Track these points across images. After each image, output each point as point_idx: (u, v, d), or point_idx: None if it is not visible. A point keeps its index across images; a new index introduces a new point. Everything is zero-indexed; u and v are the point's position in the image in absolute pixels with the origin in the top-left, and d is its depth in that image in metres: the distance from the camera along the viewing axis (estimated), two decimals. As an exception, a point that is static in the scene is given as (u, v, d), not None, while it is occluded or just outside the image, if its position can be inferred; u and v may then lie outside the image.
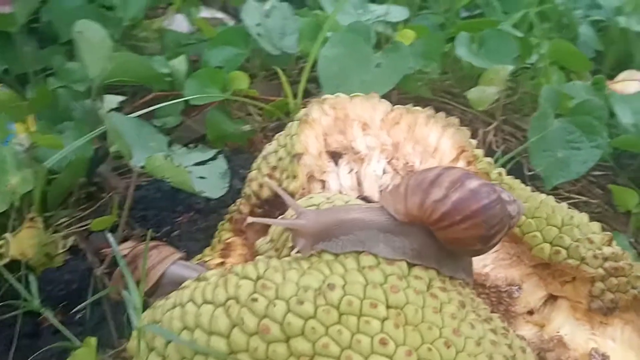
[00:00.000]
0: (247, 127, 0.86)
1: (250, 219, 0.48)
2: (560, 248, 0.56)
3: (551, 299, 0.60)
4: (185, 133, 0.92)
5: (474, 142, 0.62)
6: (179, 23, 1.16)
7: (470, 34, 0.95)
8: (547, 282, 0.59)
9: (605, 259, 0.56)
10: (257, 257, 0.47)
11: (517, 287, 0.57)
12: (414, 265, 0.45)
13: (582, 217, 0.59)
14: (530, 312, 0.58)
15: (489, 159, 0.62)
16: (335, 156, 0.60)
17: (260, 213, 0.59)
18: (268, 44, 0.94)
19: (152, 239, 0.69)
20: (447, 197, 0.44)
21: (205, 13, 1.21)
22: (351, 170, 0.59)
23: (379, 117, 0.62)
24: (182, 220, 0.71)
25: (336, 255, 0.45)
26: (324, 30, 0.80)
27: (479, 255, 0.48)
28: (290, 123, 0.62)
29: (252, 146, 0.88)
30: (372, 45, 0.89)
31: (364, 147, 0.60)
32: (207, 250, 0.59)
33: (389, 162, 0.60)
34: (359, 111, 0.61)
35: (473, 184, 0.44)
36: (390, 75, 0.84)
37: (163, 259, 0.53)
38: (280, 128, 0.89)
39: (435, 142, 0.61)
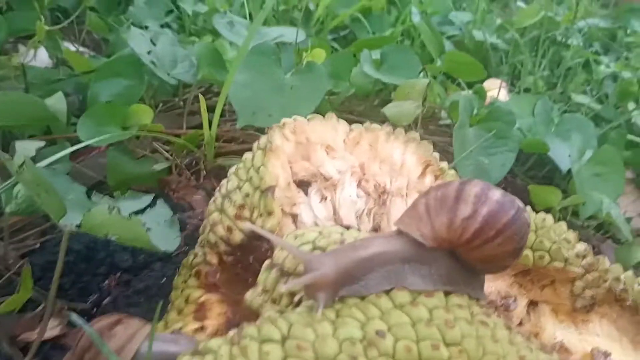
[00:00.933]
0: (159, 166, 0.76)
1: (283, 287, 0.41)
2: (542, 252, 0.55)
3: (531, 305, 0.59)
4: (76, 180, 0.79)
5: (437, 155, 0.59)
6: (40, 58, 1.03)
7: (370, 50, 0.93)
8: (527, 288, 0.58)
9: (584, 256, 0.56)
10: (266, 314, 0.40)
11: (512, 299, 0.55)
12: (448, 293, 0.41)
13: (550, 218, 0.59)
14: (520, 323, 0.57)
15: (452, 172, 0.60)
16: (303, 185, 0.54)
17: (232, 261, 0.51)
18: (163, 73, 0.85)
19: (81, 311, 0.58)
20: (477, 212, 0.40)
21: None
22: (323, 198, 0.54)
23: (340, 138, 0.57)
24: (110, 283, 0.60)
25: (362, 297, 0.40)
26: (240, 54, 0.73)
27: (504, 270, 0.45)
28: (247, 154, 0.55)
29: (166, 186, 0.78)
30: (280, 67, 0.85)
31: (334, 171, 0.55)
32: (170, 316, 0.50)
33: (358, 185, 0.56)
34: (320, 134, 0.56)
35: (496, 194, 0.42)
36: (309, 97, 0.80)
37: (132, 336, 0.43)
38: (195, 163, 0.81)
39: (400, 159, 0.58)
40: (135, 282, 0.60)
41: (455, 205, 0.41)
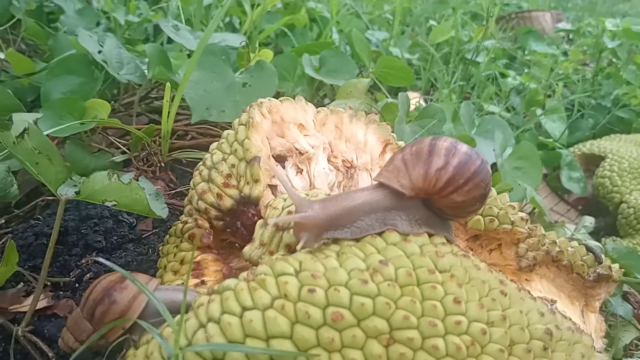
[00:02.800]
0: (118, 158, 0.77)
1: (272, 221, 0.45)
2: (492, 217, 0.62)
3: (481, 267, 0.66)
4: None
5: (394, 135, 0.66)
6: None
7: (310, 54, 0.99)
8: (477, 252, 0.65)
9: (526, 220, 0.64)
10: (274, 257, 0.44)
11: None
12: (432, 235, 0.47)
13: (494, 190, 0.66)
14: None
15: (409, 150, 0.66)
16: (279, 159, 0.59)
17: (221, 226, 0.54)
18: (114, 72, 0.87)
19: (65, 285, 0.59)
20: (448, 163, 0.46)
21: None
22: (299, 171, 0.58)
23: (310, 118, 0.62)
24: (89, 261, 0.61)
25: (356, 240, 0.45)
26: (198, 50, 0.77)
27: (472, 216, 0.51)
28: (227, 131, 0.58)
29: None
30: (229, 66, 0.89)
31: (308, 146, 0.59)
32: (166, 277, 0.52)
33: (328, 161, 0.61)
34: (292, 114, 0.60)
35: (464, 147, 0.48)
36: (261, 93, 0.84)
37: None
38: (150, 157, 0.82)
39: (363, 138, 0.64)
40: (113, 259, 0.62)
41: (429, 158, 0.47)
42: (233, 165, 0.55)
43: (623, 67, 1.60)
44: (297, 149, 0.59)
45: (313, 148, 0.59)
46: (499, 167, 0.98)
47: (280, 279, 0.40)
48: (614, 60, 1.65)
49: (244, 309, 0.39)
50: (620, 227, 1.13)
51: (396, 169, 0.47)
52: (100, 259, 0.39)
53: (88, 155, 0.78)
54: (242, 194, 0.53)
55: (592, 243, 0.93)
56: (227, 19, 1.61)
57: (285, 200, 0.51)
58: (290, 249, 0.48)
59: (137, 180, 0.58)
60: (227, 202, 0.53)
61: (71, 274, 0.60)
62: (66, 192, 0.50)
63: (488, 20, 1.31)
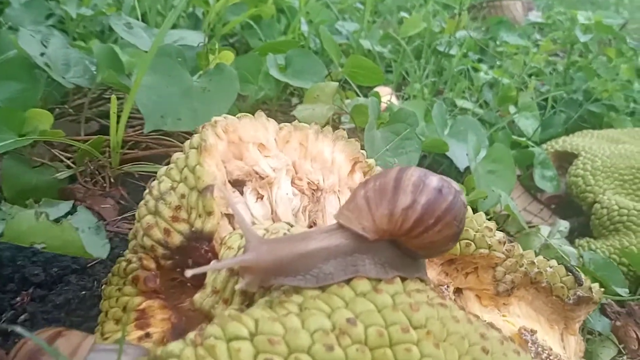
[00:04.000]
0: (62, 174, 0.71)
1: (189, 272, 0.39)
2: (468, 241, 0.58)
3: (457, 292, 0.62)
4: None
5: (364, 152, 0.60)
6: None
7: (275, 54, 0.93)
8: (453, 276, 0.61)
9: (504, 242, 0.60)
10: (224, 312, 0.39)
11: (445, 287, 0.57)
12: (406, 279, 0.42)
13: (469, 209, 0.62)
14: (450, 307, 0.59)
15: (379, 168, 0.61)
16: (237, 184, 0.53)
17: (170, 265, 0.49)
18: (58, 76, 0.80)
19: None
20: (416, 201, 0.41)
21: None
22: (259, 197, 0.53)
23: (272, 137, 0.56)
24: (23, 300, 0.55)
25: (321, 289, 0.40)
26: (151, 52, 0.70)
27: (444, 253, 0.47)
28: (177, 155, 0.52)
29: (69, 196, 0.73)
30: (186, 69, 0.82)
31: (269, 169, 0.54)
32: (107, 327, 0.46)
33: (292, 183, 0.55)
34: (251, 132, 0.55)
35: (434, 181, 0.43)
36: (221, 99, 0.78)
37: (76, 348, 0.40)
38: (100, 170, 0.76)
39: (330, 157, 0.58)
40: (52, 296, 0.56)
41: (394, 196, 0.41)
42: (183, 196, 0.49)
43: (594, 60, 1.57)
44: (257, 173, 0.53)
45: (275, 171, 0.54)
46: (473, 171, 0.94)
47: (232, 345, 0.35)
48: (585, 52, 1.63)
49: (193, 382, 0.34)
50: (594, 227, 1.10)
51: (357, 208, 0.42)
52: (19, 329, 0.33)
53: (29, 170, 0.72)
54: (193, 229, 0.48)
55: (568, 249, 0.90)
56: (190, 9, 1.53)
57: (242, 237, 0.45)
58: (247, 297, 0.43)
59: (76, 207, 0.52)
60: (176, 239, 0.48)
61: (2, 316, 0.53)
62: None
63: (461, 14, 1.26)
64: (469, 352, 0.38)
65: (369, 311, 0.38)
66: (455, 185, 0.44)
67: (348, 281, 0.40)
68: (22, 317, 0.54)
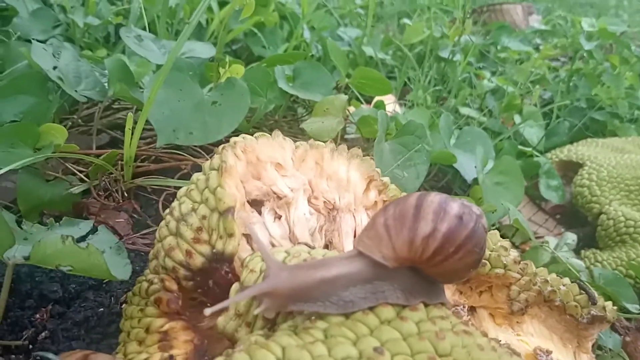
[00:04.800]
0: (77, 189, 0.71)
1: (208, 311, 0.39)
2: (484, 260, 0.58)
3: (470, 310, 0.62)
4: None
5: (379, 170, 0.61)
6: None
7: (283, 66, 0.94)
8: (467, 295, 0.61)
9: (519, 262, 0.60)
10: (252, 338, 0.39)
11: (462, 307, 0.57)
12: (428, 305, 0.42)
13: (484, 227, 0.62)
14: (466, 327, 0.59)
15: (394, 186, 0.62)
16: (255, 204, 0.53)
17: (191, 286, 0.49)
18: (71, 90, 0.80)
19: (17, 349, 0.53)
20: (436, 230, 0.41)
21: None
22: (277, 217, 0.53)
23: (289, 156, 0.57)
24: (43, 317, 0.55)
25: (345, 316, 0.40)
26: (165, 68, 0.70)
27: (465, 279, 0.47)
28: (197, 175, 0.53)
29: (83, 210, 0.73)
30: (197, 83, 0.82)
31: (287, 189, 0.54)
32: (130, 348, 0.46)
33: (309, 203, 0.56)
34: (269, 152, 0.55)
35: (454, 208, 0.43)
36: (232, 113, 0.78)
37: (104, 372, 0.40)
38: (112, 183, 0.76)
39: (345, 175, 0.59)
40: (71, 313, 0.56)
41: (414, 224, 0.41)
42: (204, 217, 0.49)
43: (598, 67, 1.58)
44: (274, 193, 0.54)
45: (292, 191, 0.54)
46: (480, 183, 0.95)
47: (261, 374, 0.35)
48: (589, 60, 1.63)
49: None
50: (599, 239, 1.11)
51: (377, 236, 0.42)
52: (50, 356, 0.33)
53: (43, 185, 0.72)
54: (214, 250, 0.48)
55: (576, 262, 0.91)
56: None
57: (263, 260, 0.46)
58: (270, 320, 0.43)
59: (97, 227, 0.52)
60: (198, 261, 0.48)
61: (24, 333, 0.54)
62: (14, 254, 0.44)
63: (464, 22, 1.27)
64: (494, 379, 0.38)
65: (395, 339, 0.38)
66: (476, 209, 0.45)
67: (371, 308, 0.41)
68: (43, 334, 0.54)
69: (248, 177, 0.54)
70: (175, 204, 0.52)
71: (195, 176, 0.53)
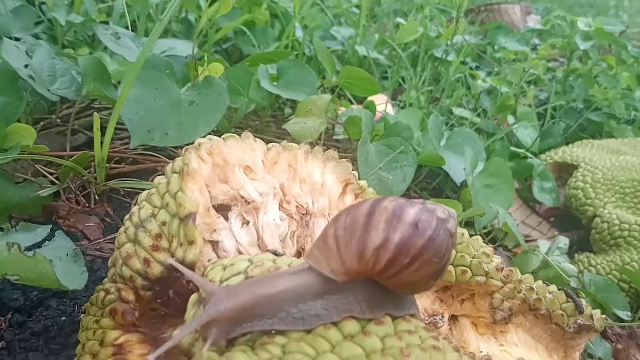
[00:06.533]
0: (45, 191, 0.68)
1: (151, 357, 0.36)
2: (464, 267, 0.56)
3: (452, 319, 0.59)
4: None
5: (355, 173, 0.58)
6: None
7: (267, 65, 0.91)
8: (448, 303, 0.59)
9: (501, 269, 0.57)
10: (204, 355, 0.36)
11: (440, 317, 0.55)
12: (396, 317, 0.39)
13: (466, 233, 0.59)
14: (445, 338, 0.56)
15: (371, 190, 0.59)
16: (222, 209, 0.51)
17: (150, 296, 0.46)
18: (43, 88, 0.77)
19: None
20: (388, 240, 0.37)
21: None
22: (245, 222, 0.50)
23: (259, 159, 0.54)
24: (1, 326, 0.53)
25: (307, 331, 0.37)
26: (137, 65, 0.67)
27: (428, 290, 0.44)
28: (158, 179, 0.50)
29: (52, 213, 0.70)
30: (174, 82, 0.80)
31: (256, 194, 0.51)
32: (83, 360, 0.44)
33: (280, 207, 0.53)
34: (238, 154, 0.52)
35: (410, 215, 0.38)
36: (209, 113, 0.75)
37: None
38: (83, 187, 0.73)
39: (320, 179, 0.56)
40: (31, 323, 0.53)
41: (364, 234, 0.37)
42: (164, 223, 0.46)
43: (594, 67, 1.55)
44: (242, 197, 0.51)
45: (261, 195, 0.52)
46: (470, 185, 0.92)
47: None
48: (585, 59, 1.60)
49: None
50: (593, 242, 1.08)
51: (327, 248, 0.38)
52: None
53: (12, 186, 0.69)
54: (174, 259, 0.45)
55: (567, 267, 0.88)
56: (183, 14, 1.51)
57: (224, 269, 0.43)
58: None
59: (54, 232, 0.49)
60: (156, 270, 0.45)
61: (-22, 345, 0.51)
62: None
63: (458, 21, 1.24)
64: (464, 400, 0.35)
65: (356, 356, 0.35)
66: (442, 213, 0.40)
67: (334, 322, 0.38)
68: (0, 344, 0.51)
69: (214, 180, 0.51)
70: (135, 209, 0.49)
71: (157, 180, 0.50)
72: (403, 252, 0.37)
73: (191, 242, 0.45)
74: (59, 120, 0.92)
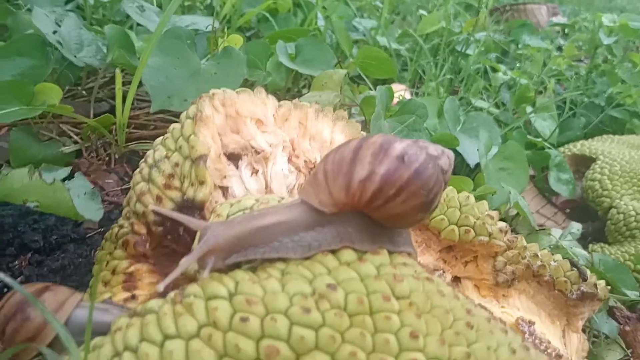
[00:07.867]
0: (68, 148, 0.71)
1: (161, 285, 0.38)
2: (468, 227, 0.57)
3: (455, 281, 0.60)
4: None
5: (364, 133, 0.60)
6: None
7: (286, 42, 0.93)
8: (451, 264, 0.60)
9: (505, 232, 0.58)
10: (212, 275, 0.38)
11: (441, 272, 0.56)
12: (394, 252, 0.41)
13: (472, 197, 0.61)
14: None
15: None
16: (233, 158, 0.53)
17: (161, 232, 0.48)
18: (70, 54, 0.80)
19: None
20: (374, 172, 0.38)
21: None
22: (254, 171, 0.52)
23: (270, 113, 0.56)
24: (22, 263, 0.55)
25: (304, 258, 0.39)
26: (158, 31, 0.70)
27: (420, 223, 0.45)
28: (174, 125, 0.52)
29: (75, 170, 0.73)
30: (195, 52, 0.82)
31: (266, 145, 0.53)
32: (98, 287, 0.46)
33: (289, 161, 0.55)
34: (250, 107, 0.54)
35: (397, 149, 0.39)
36: (227, 82, 0.78)
37: (62, 303, 0.40)
38: (106, 147, 0.76)
39: (329, 137, 0.58)
40: (49, 261, 0.56)
41: (351, 168, 0.39)
42: (176, 164, 0.49)
43: (618, 65, 1.54)
44: (252, 147, 0.53)
45: (271, 146, 0.53)
46: (483, 167, 0.93)
47: (210, 303, 0.34)
48: (609, 57, 1.59)
49: (166, 337, 0.34)
50: (609, 233, 1.08)
51: (317, 182, 0.40)
52: (7, 279, 0.33)
53: (36, 143, 0.72)
54: (185, 197, 0.47)
55: (579, 252, 0.88)
56: (208, 1, 1.54)
57: (232, 205, 0.45)
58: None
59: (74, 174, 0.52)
60: (168, 206, 0.47)
61: (-2, 277, 0.54)
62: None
63: (479, 12, 1.25)
64: (453, 326, 0.37)
65: (351, 279, 0.37)
66: (434, 150, 0.41)
67: (333, 250, 0.39)
68: (18, 279, 0.54)
69: (226, 130, 0.53)
70: (150, 152, 0.51)
71: (172, 125, 0.52)
72: (389, 183, 0.38)
73: (202, 182, 0.47)
74: (84, 92, 0.95)
